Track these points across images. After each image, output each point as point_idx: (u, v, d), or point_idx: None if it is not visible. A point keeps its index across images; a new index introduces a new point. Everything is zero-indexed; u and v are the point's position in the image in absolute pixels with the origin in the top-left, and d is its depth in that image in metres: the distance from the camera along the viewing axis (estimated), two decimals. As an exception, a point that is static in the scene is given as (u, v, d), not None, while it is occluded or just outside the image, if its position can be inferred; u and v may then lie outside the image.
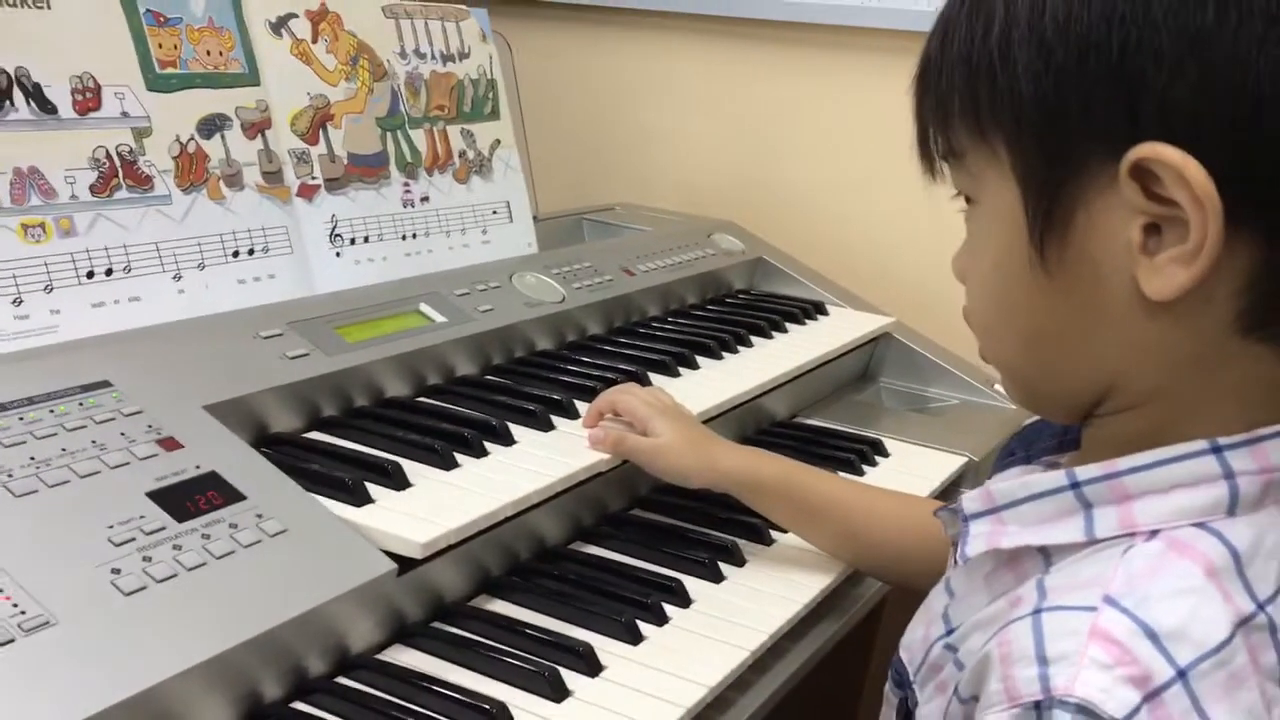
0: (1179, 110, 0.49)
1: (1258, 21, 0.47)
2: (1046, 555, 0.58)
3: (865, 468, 1.20)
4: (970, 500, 0.61)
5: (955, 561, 0.64)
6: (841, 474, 1.09)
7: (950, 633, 0.62)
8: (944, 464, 1.23)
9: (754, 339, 1.34)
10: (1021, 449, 0.68)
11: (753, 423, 1.26)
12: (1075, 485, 0.56)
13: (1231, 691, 0.50)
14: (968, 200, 0.60)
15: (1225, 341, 0.53)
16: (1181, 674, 0.50)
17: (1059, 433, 0.65)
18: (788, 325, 1.41)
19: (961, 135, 0.57)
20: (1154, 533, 0.54)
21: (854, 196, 1.69)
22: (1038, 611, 0.53)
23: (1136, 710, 0.49)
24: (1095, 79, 0.50)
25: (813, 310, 1.48)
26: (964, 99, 0.55)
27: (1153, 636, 0.50)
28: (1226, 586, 0.52)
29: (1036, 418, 0.69)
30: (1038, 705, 0.50)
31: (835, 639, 0.94)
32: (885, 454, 1.25)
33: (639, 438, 0.97)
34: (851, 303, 1.54)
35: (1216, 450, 0.53)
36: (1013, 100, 0.53)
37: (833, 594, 0.97)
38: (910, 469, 1.21)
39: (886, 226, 1.66)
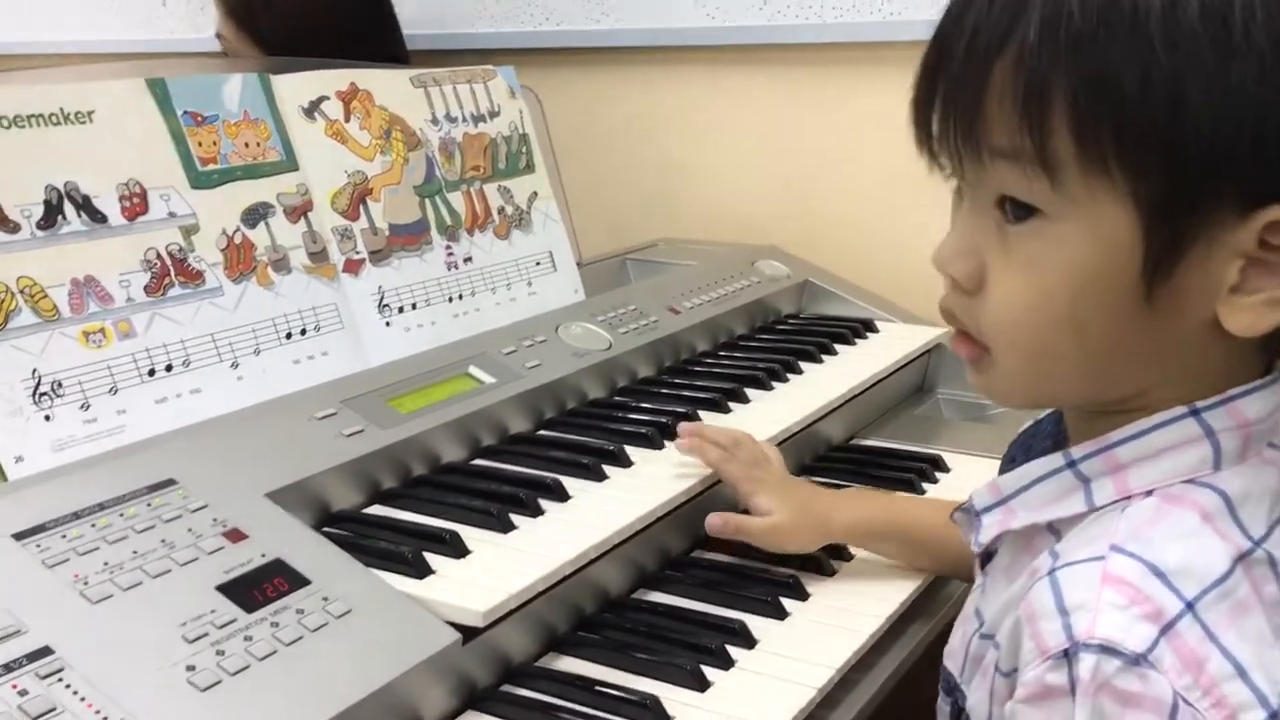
0: None
1: None
2: (1056, 532, 0.61)
3: (926, 485, 1.20)
4: (980, 495, 0.65)
5: (974, 550, 0.68)
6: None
7: (982, 625, 0.66)
8: (1006, 474, 1.22)
9: (804, 365, 1.35)
10: (1022, 454, 0.71)
11: (809, 449, 1.27)
12: (1072, 463, 0.60)
13: (1238, 619, 0.54)
14: (1015, 206, 0.57)
15: (1250, 354, 0.59)
16: (1190, 605, 0.53)
17: (1053, 433, 0.68)
18: (837, 347, 1.42)
19: (1064, 145, 0.53)
20: (1149, 493, 0.58)
21: (894, 209, 1.69)
22: (1052, 570, 0.57)
23: (1155, 643, 0.52)
24: (1276, 138, 0.51)
25: (862, 329, 1.48)
26: (1091, 115, 0.52)
27: (1160, 574, 0.54)
28: (1221, 527, 0.56)
29: (1030, 423, 0.73)
30: (1065, 653, 0.54)
31: (905, 666, 0.94)
32: (945, 469, 1.24)
33: (757, 522, 0.99)
34: (901, 316, 1.54)
35: (1195, 413, 0.58)
36: (1176, 139, 0.52)
37: (899, 620, 0.97)
38: (971, 483, 1.19)
39: (929, 236, 1.65)
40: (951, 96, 0.57)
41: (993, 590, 0.67)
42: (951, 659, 0.70)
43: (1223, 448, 0.57)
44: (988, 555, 0.70)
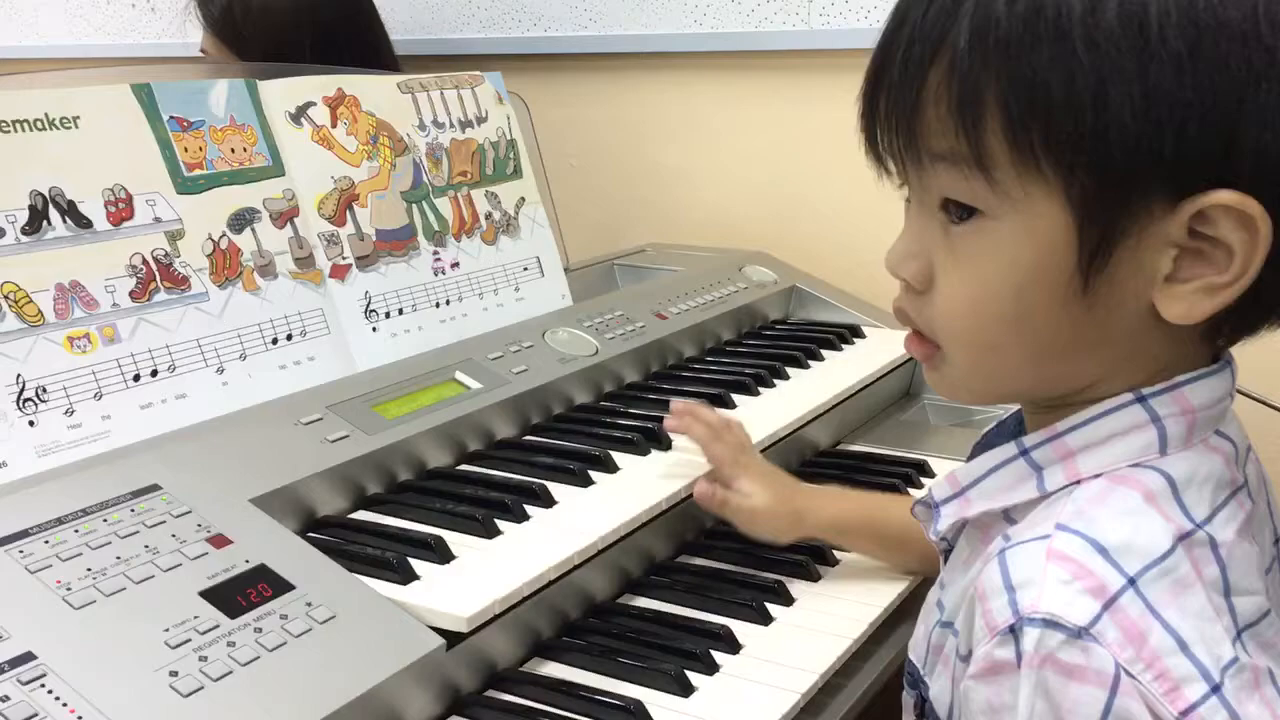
0: (1272, 168, 0.53)
1: None
2: (1011, 519, 0.63)
3: (911, 490, 1.20)
4: (938, 488, 0.67)
5: (932, 539, 0.70)
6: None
7: (943, 612, 0.67)
8: (991, 480, 1.23)
9: (790, 370, 1.35)
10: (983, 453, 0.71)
11: (795, 454, 1.27)
12: (1024, 452, 0.62)
13: (1178, 596, 0.55)
14: (958, 207, 0.59)
15: (1194, 345, 0.61)
16: (1131, 581, 0.55)
17: (1014, 432, 0.69)
18: (824, 353, 1.42)
19: (998, 146, 0.56)
20: (1097, 476, 0.60)
21: (882, 215, 1.69)
22: (1002, 551, 0.58)
23: (1098, 617, 0.54)
24: (1196, 135, 0.53)
25: (849, 335, 1.49)
26: (1021, 117, 0.54)
27: (1103, 551, 0.56)
28: (1165, 508, 0.58)
29: (993, 425, 0.74)
30: (1012, 629, 0.55)
31: (889, 671, 0.95)
32: (931, 474, 1.25)
33: (740, 501, 1.01)
34: (888, 322, 1.54)
35: (1141, 399, 0.60)
36: (1101, 137, 0.54)
37: (883, 626, 0.97)
38: (957, 488, 1.21)
39: (917, 242, 1.66)
40: (892, 104, 0.59)
41: (952, 581, 0.68)
42: (915, 650, 0.72)
43: (1168, 433, 0.59)
44: (949, 550, 0.71)
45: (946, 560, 0.72)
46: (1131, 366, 0.60)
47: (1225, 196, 0.53)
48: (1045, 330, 0.59)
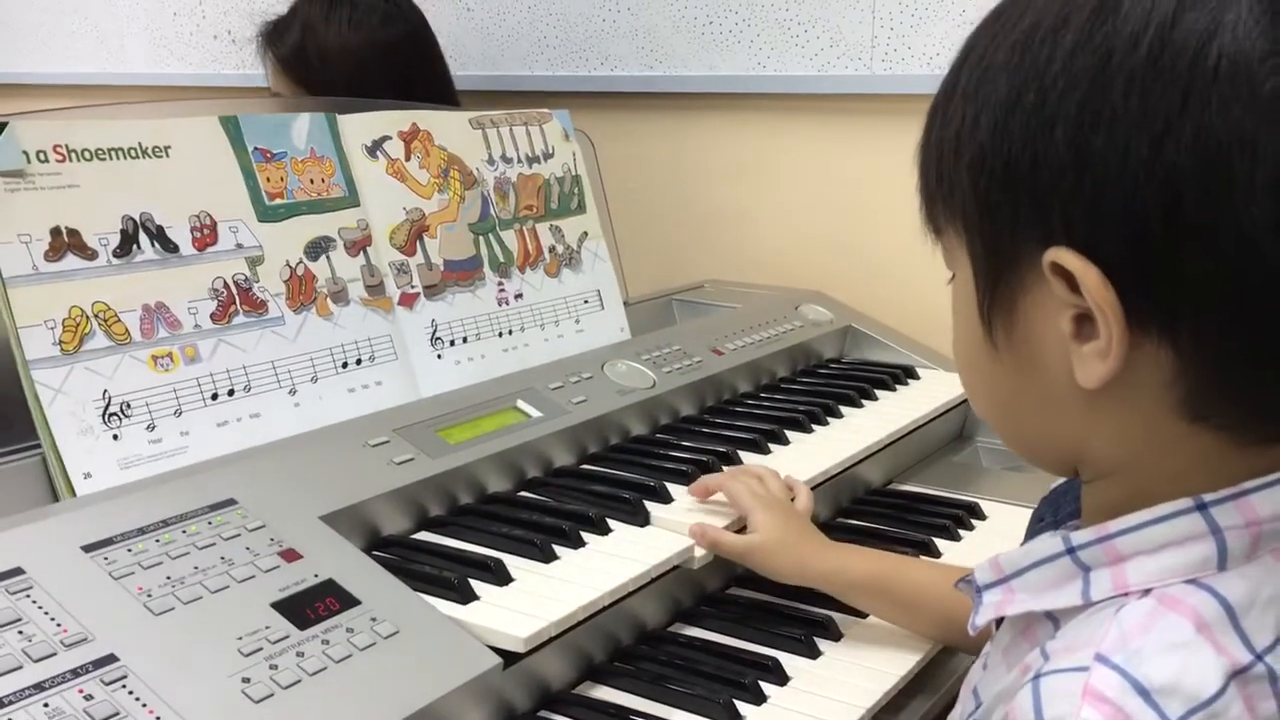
0: (1078, 222, 0.52)
1: (1144, 145, 0.50)
2: (1055, 621, 0.60)
3: (961, 532, 1.21)
4: (982, 571, 0.63)
5: (972, 630, 0.66)
6: (932, 551, 1.14)
7: (978, 708, 0.64)
8: (1042, 524, 1.23)
9: (844, 409, 1.37)
10: (1050, 514, 0.70)
11: (848, 492, 1.29)
12: (1071, 550, 0.58)
13: None
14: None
15: (1171, 425, 0.55)
16: None
17: (1075, 503, 0.67)
18: (878, 392, 1.44)
19: (938, 215, 0.62)
20: (1146, 592, 0.55)
21: (938, 257, 1.71)
22: (1037, 676, 0.54)
23: None
24: (1016, 186, 0.54)
25: (903, 375, 1.50)
26: (937, 184, 0.60)
27: (1144, 693, 0.51)
28: (1219, 639, 0.53)
29: (1061, 481, 0.71)
30: None
31: (934, 711, 0.96)
32: (982, 517, 1.26)
33: (733, 538, 1.02)
34: (942, 364, 1.55)
35: (1202, 507, 0.55)
36: (961, 193, 0.58)
37: (930, 665, 0.98)
38: (1007, 532, 1.22)
39: (973, 286, 1.67)
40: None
41: (992, 670, 0.66)
42: None
43: (1229, 546, 0.54)
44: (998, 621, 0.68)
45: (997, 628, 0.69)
46: (1166, 458, 0.56)
47: (1052, 253, 0.53)
48: (988, 380, 0.61)
